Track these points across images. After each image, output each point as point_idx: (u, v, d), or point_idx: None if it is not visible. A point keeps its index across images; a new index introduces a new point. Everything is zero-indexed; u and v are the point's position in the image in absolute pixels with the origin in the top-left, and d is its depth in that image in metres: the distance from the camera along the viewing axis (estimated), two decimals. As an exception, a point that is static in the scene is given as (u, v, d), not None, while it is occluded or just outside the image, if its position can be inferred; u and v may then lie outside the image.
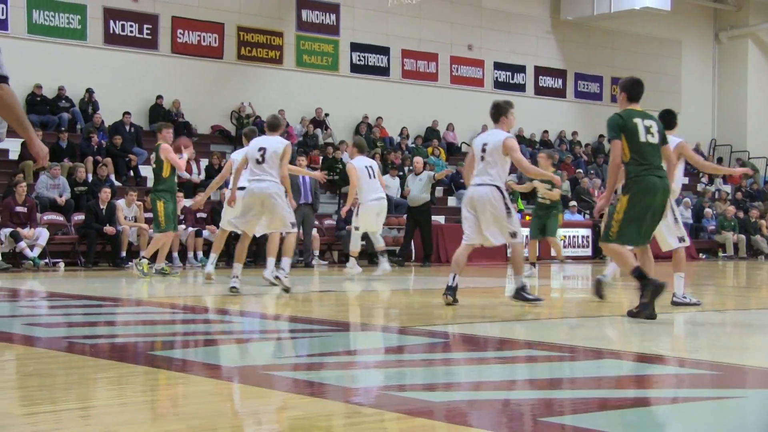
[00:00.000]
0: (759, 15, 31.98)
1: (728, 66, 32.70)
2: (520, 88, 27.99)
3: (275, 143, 10.44)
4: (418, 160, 18.48)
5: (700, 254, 24.31)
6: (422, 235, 18.28)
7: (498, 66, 27.58)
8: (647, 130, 7.97)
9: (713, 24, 32.80)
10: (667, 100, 30.96)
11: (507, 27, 27.74)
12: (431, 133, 25.68)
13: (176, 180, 13.85)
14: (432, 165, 21.79)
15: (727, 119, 32.66)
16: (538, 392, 4.88)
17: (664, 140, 8.12)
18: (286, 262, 10.73)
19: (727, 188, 29.27)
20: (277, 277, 10.53)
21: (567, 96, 29.18)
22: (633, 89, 8.17)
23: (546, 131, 27.48)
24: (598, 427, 4.00)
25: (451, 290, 8.88)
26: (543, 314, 8.85)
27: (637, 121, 7.97)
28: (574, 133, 28.40)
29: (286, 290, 10.40)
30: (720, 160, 31.54)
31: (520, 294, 9.02)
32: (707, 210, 26.23)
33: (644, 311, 7.75)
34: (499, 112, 9.11)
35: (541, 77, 28.55)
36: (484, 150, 8.93)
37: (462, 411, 4.34)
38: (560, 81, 28.90)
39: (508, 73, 27.84)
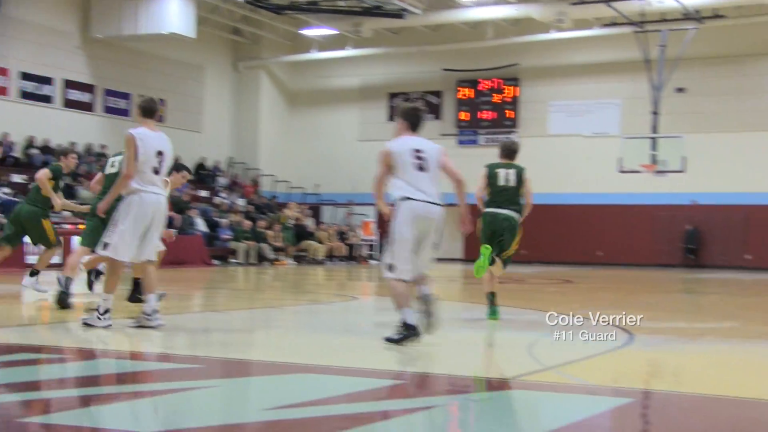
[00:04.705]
0: (271, 50, 34.15)
1: (245, 92, 34.57)
2: (48, 99, 27.31)
3: None
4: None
5: (214, 260, 25.33)
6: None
7: (25, 76, 26.66)
8: None
9: (232, 54, 34.39)
10: (191, 120, 32.05)
11: (35, 38, 26.89)
12: (-44, 138, 24.25)
13: None
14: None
15: (243, 140, 34.45)
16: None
17: None
18: None
19: (242, 201, 30.81)
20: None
21: (96, 110, 28.94)
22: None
23: (74, 143, 27.03)
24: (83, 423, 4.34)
25: None
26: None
27: None
28: (103, 146, 28.23)
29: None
30: (236, 176, 33.18)
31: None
32: (223, 221, 27.42)
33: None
34: None
35: (69, 90, 28.06)
36: None
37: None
38: (89, 95, 28.59)
39: (36, 84, 27.03)
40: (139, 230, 8.12)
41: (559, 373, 6.18)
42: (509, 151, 9.99)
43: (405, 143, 7.53)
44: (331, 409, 4.75)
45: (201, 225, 26.40)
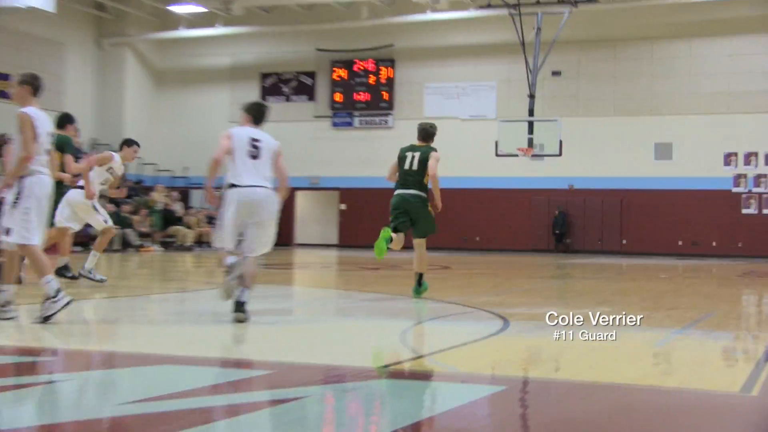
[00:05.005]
0: (137, 27, 33.36)
1: (109, 71, 33.68)
2: None
3: None
4: None
5: (74, 247, 24.58)
6: None
7: None
8: None
9: (95, 30, 33.43)
10: (51, 100, 30.95)
11: None
12: None
13: None
14: None
15: (107, 120, 33.58)
16: None
17: None
18: None
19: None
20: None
21: (-53, 88, 27.73)
22: None
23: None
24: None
25: None
26: None
27: None
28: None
29: None
30: (100, 158, 32.30)
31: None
32: (85, 205, 26.66)
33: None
34: None
35: None
36: None
37: None
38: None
39: None
40: (41, 211, 7.83)
41: (433, 361, 6.17)
42: (423, 134, 10.75)
43: (246, 131, 8.37)
44: (196, 402, 4.60)
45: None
